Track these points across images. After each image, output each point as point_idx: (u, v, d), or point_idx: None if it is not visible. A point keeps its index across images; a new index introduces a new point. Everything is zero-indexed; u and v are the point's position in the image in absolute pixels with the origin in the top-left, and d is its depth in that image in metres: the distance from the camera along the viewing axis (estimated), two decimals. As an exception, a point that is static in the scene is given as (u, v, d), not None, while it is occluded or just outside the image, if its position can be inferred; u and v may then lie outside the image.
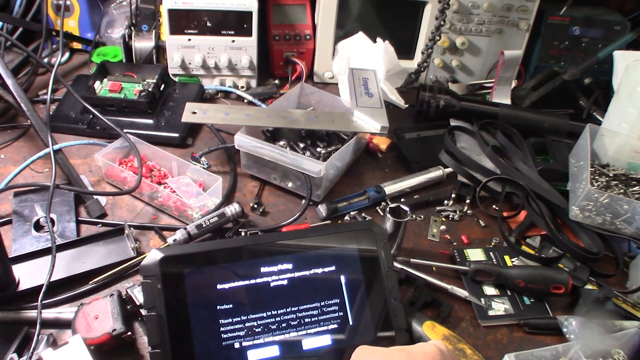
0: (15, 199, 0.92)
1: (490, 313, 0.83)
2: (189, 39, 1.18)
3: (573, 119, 1.16)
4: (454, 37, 1.27)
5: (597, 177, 0.97)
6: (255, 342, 0.66)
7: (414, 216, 0.99)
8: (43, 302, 0.72)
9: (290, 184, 1.00)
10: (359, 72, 1.12)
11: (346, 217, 0.97)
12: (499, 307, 0.84)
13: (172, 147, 1.07)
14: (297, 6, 1.31)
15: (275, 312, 0.68)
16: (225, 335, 0.66)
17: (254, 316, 0.67)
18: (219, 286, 0.67)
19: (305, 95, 1.15)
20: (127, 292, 0.76)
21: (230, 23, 1.17)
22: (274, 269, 0.70)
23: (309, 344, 0.68)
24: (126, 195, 0.96)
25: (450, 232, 0.96)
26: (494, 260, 0.91)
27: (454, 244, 0.94)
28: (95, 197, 0.94)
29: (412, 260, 0.87)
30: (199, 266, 0.68)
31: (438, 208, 1.01)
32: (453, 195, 1.02)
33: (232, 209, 0.91)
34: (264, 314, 0.68)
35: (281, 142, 1.03)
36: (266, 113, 1.03)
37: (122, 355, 0.73)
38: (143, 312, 0.73)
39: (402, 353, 0.55)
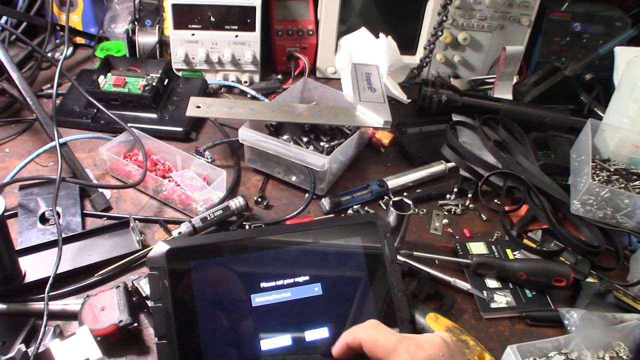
0: (20, 192, 0.92)
1: (493, 305, 0.84)
2: (193, 34, 1.18)
3: (574, 114, 1.16)
4: (456, 33, 1.27)
5: (598, 172, 0.98)
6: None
7: (416, 210, 0.99)
8: (50, 294, 0.73)
9: (293, 178, 1.01)
10: (362, 67, 1.12)
11: (349, 211, 0.98)
12: (501, 300, 0.84)
13: (176, 141, 1.07)
14: (300, 1, 1.31)
15: (281, 302, 0.69)
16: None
17: (259, 307, 0.68)
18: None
19: (308, 90, 1.16)
20: (133, 284, 0.77)
21: (234, 18, 1.17)
22: (279, 260, 0.71)
23: (312, 335, 0.69)
24: (131, 189, 0.97)
25: (452, 226, 0.97)
26: (496, 253, 0.92)
27: (457, 237, 0.95)
28: (100, 190, 0.94)
29: (415, 253, 0.88)
30: (205, 258, 0.68)
31: (440, 202, 1.01)
32: (455, 190, 1.02)
33: (236, 202, 0.91)
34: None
35: (285, 137, 1.03)
36: (270, 107, 1.03)
37: (129, 346, 0.73)
38: (149, 303, 0.74)
39: (410, 341, 0.55)
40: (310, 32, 1.29)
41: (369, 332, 0.58)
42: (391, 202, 0.87)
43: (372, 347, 0.57)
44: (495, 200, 1.03)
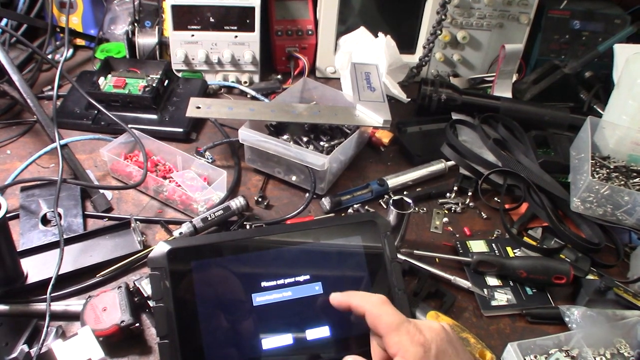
0: (22, 194, 0.92)
1: (493, 303, 0.84)
2: (192, 35, 1.19)
3: (574, 112, 1.17)
4: (455, 32, 1.28)
5: (597, 169, 0.98)
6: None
7: (416, 208, 0.99)
8: (52, 294, 0.73)
9: (294, 178, 1.01)
10: (361, 67, 1.13)
11: (349, 210, 0.98)
12: (502, 298, 0.85)
13: (176, 142, 1.08)
14: (299, 1, 1.32)
15: (282, 302, 0.69)
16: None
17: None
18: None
19: (308, 90, 1.16)
20: (134, 284, 0.77)
21: (233, 19, 1.17)
22: (279, 260, 0.71)
23: (313, 334, 0.69)
24: (132, 190, 0.97)
25: (452, 224, 0.97)
26: (496, 251, 0.92)
27: (457, 235, 0.95)
28: (101, 191, 0.95)
29: (415, 251, 0.88)
30: (206, 258, 0.68)
31: (440, 200, 1.02)
32: (455, 188, 1.03)
33: (236, 202, 0.92)
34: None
35: (285, 136, 1.04)
36: (270, 107, 1.03)
37: (131, 347, 0.74)
38: (151, 303, 0.74)
39: (412, 324, 0.57)
40: (310, 32, 1.29)
41: (376, 307, 0.59)
42: (391, 201, 0.87)
43: (375, 320, 0.58)
44: (496, 199, 1.03)
